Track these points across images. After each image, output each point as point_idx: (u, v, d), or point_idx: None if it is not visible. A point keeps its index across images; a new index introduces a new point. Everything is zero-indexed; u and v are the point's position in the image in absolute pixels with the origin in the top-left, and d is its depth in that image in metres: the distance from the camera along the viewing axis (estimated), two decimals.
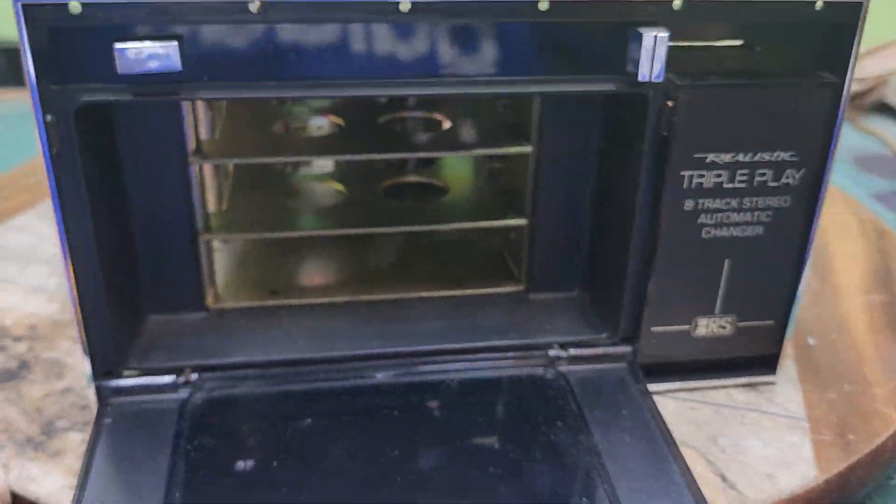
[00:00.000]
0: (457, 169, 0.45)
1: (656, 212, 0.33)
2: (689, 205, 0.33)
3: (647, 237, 0.34)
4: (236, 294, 0.39)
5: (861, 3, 0.31)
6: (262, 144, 0.39)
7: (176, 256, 0.36)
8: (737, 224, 0.34)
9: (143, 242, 0.35)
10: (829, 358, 0.40)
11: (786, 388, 0.37)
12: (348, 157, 0.39)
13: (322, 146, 0.41)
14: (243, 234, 0.40)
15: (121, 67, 0.27)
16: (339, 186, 0.42)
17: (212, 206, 0.38)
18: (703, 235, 0.34)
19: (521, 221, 0.39)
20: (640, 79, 0.30)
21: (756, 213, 0.34)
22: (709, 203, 0.33)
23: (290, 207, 0.41)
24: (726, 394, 0.37)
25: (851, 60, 0.32)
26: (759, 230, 0.34)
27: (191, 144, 0.35)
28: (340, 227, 0.39)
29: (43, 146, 0.29)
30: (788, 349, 0.39)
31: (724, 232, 0.34)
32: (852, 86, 0.96)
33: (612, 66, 0.31)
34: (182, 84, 0.29)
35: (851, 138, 0.84)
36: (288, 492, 0.29)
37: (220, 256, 0.41)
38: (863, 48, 0.31)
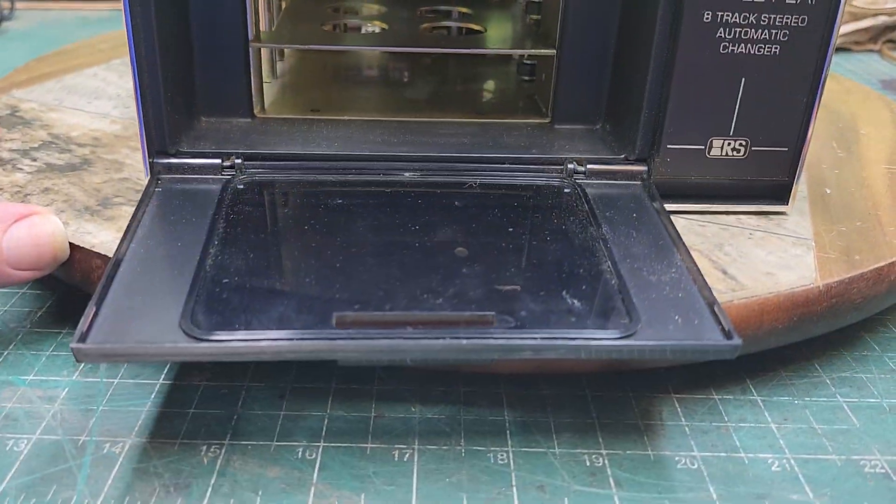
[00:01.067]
0: (495, 17, 0.48)
1: (677, 23, 0.35)
2: (707, 16, 0.35)
3: (667, 51, 0.36)
4: (281, 109, 0.42)
5: None
6: None
7: (229, 63, 0.39)
8: (754, 42, 0.35)
9: (200, 48, 0.39)
10: (845, 202, 0.41)
11: (796, 217, 0.39)
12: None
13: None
14: (290, 45, 0.43)
15: None
16: (384, 25, 0.45)
17: (263, 25, 0.41)
18: (721, 50, 0.35)
19: (550, 52, 0.41)
20: None
21: (774, 32, 0.35)
22: (727, 17, 0.35)
23: (336, 35, 0.44)
24: (736, 218, 0.39)
25: None
26: (776, 49, 0.35)
27: None
28: (381, 45, 0.42)
29: None
30: (803, 188, 0.40)
31: (741, 48, 0.35)
32: (883, 18, 0.95)
33: None
34: None
35: (879, 64, 0.84)
36: (315, 247, 0.32)
37: (268, 87, 0.44)
38: None
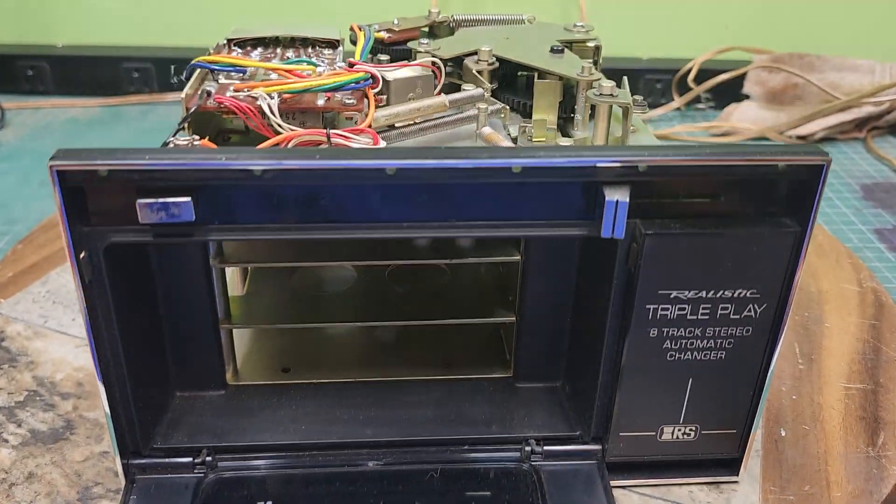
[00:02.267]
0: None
1: (623, 335, 0.36)
2: (653, 332, 0.36)
3: (615, 356, 0.37)
4: (252, 372, 0.44)
5: (822, 165, 0.33)
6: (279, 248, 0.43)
7: (201, 343, 0.41)
8: (699, 350, 0.37)
9: (171, 334, 0.40)
10: (797, 453, 0.42)
11: (746, 487, 0.40)
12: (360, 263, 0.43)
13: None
14: (259, 325, 0.44)
15: (142, 218, 0.31)
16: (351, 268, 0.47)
17: (235, 290, 0.43)
18: (668, 358, 0.37)
19: (511, 318, 0.42)
20: (603, 235, 0.33)
21: (718, 341, 0.36)
22: (672, 331, 0.36)
23: (306, 295, 0.45)
24: (688, 491, 0.40)
25: (813, 211, 0.34)
26: (722, 355, 0.37)
27: (213, 249, 0.39)
28: (346, 320, 0.44)
29: (76, 276, 0.33)
30: (757, 443, 0.42)
31: (687, 356, 0.37)
32: (868, 108, 0.96)
33: (582, 215, 0.34)
34: (196, 229, 0.33)
35: (861, 163, 0.85)
36: None
37: (239, 335, 0.46)
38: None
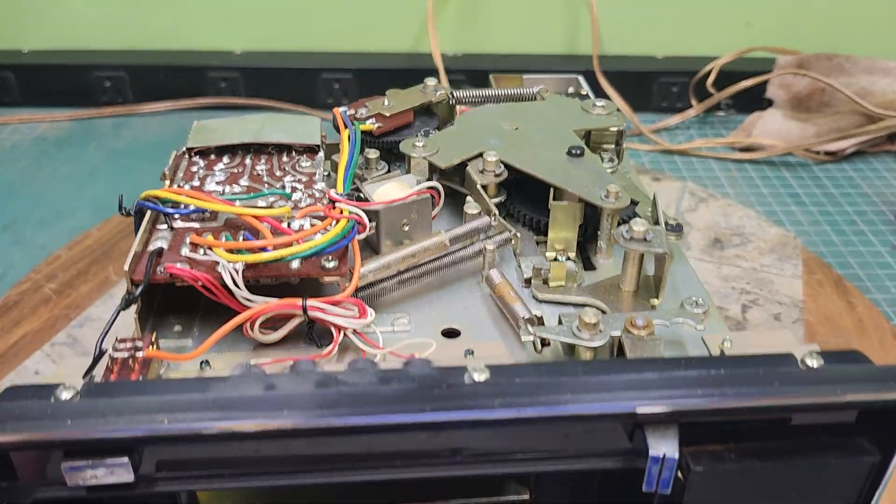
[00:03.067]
0: None
1: None
2: None
3: None
4: None
5: None
6: None
7: None
8: None
9: None
10: None
11: None
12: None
13: None
14: None
15: (69, 481, 0.25)
16: None
17: None
18: None
19: None
20: (645, 489, 0.26)
21: None
22: None
23: None
24: None
25: None
26: None
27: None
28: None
29: None
30: None
31: None
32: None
33: (614, 447, 0.27)
34: (137, 486, 0.27)
35: (895, 183, 0.78)
36: None
37: None
38: None
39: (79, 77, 0.90)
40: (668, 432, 0.25)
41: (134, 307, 0.31)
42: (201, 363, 0.31)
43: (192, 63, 0.86)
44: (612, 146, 0.44)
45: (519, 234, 0.37)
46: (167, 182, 0.36)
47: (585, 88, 0.52)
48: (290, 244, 0.31)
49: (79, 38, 0.92)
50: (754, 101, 0.89)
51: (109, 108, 0.91)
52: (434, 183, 0.37)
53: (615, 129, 0.43)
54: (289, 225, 0.34)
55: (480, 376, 0.25)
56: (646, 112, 0.88)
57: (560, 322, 0.31)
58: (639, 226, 0.33)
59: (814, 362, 0.27)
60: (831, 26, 0.90)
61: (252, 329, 0.31)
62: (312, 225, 0.34)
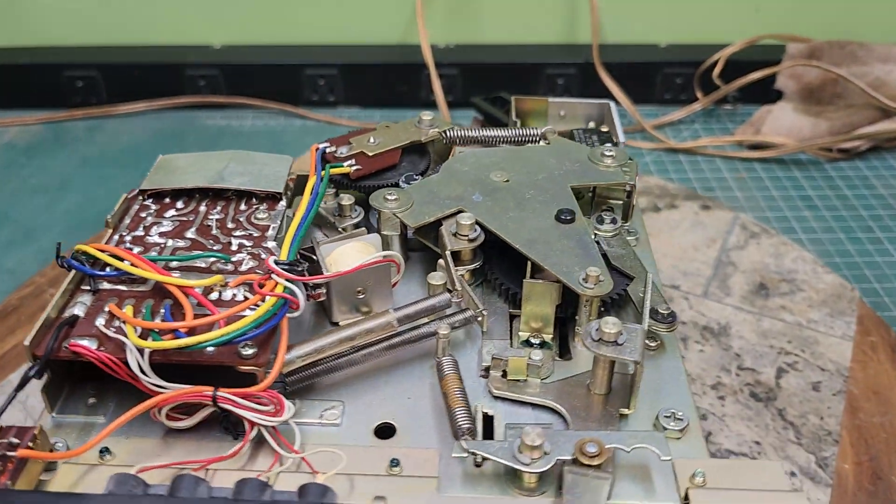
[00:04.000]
0: None
1: None
2: None
3: None
4: None
5: None
6: None
7: None
8: None
9: None
10: None
11: None
12: None
13: None
14: None
15: None
16: None
17: None
18: None
19: None
20: None
21: None
22: None
23: None
24: None
25: None
26: None
27: None
28: None
29: None
30: None
31: None
32: None
33: None
34: None
35: None
36: None
37: None
38: None
39: (48, 77, 0.83)
40: None
41: (45, 379, 0.29)
42: (101, 451, 0.28)
43: (169, 59, 0.79)
44: (620, 201, 0.39)
45: (486, 312, 0.33)
46: (109, 231, 0.34)
47: (614, 116, 0.46)
48: (210, 325, 0.28)
49: (47, 34, 0.85)
50: (763, 92, 0.81)
51: (82, 109, 0.84)
52: (394, 253, 0.33)
53: (627, 185, 0.38)
54: (220, 294, 0.30)
55: None
56: (648, 105, 0.81)
57: (504, 436, 0.27)
58: (610, 327, 0.29)
59: None
60: (844, 10, 0.81)
61: (160, 414, 0.28)
62: (245, 297, 0.30)
